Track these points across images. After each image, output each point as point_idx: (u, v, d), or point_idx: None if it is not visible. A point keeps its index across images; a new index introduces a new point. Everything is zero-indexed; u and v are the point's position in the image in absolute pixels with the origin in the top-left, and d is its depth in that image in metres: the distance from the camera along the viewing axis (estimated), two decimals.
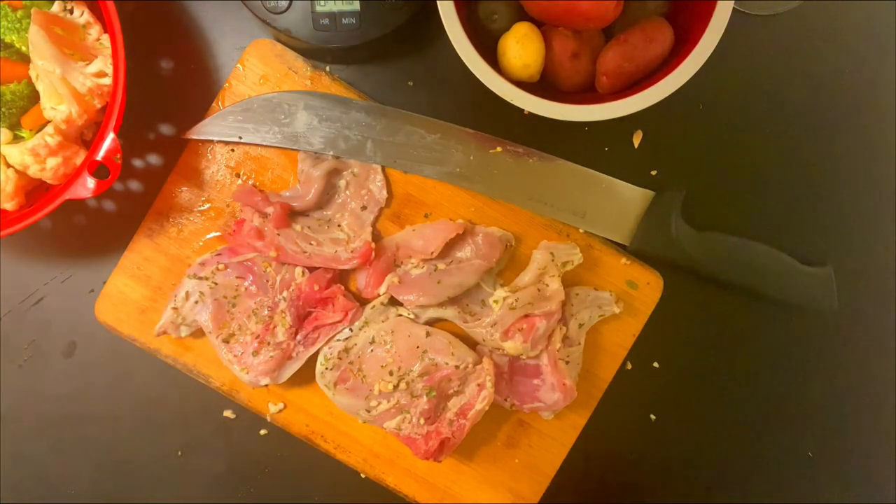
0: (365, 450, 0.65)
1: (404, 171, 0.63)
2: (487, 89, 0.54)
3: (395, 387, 0.60)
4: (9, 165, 0.59)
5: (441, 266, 0.62)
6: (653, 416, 0.67)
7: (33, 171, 0.58)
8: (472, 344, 0.63)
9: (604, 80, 0.57)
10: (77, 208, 0.66)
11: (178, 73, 0.64)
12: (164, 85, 0.65)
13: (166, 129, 0.65)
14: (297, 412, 0.64)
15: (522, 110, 0.55)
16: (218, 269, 0.62)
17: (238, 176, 0.64)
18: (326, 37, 0.60)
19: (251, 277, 0.61)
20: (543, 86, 0.59)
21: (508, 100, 0.54)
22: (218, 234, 0.64)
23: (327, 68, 0.64)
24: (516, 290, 0.61)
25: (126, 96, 0.56)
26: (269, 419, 0.64)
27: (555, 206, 0.63)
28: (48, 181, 0.59)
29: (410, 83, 0.65)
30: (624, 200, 0.63)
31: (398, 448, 0.64)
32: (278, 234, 0.60)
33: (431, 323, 0.63)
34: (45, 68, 0.57)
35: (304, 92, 0.63)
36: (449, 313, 0.62)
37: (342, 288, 0.62)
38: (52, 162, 0.58)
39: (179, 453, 0.67)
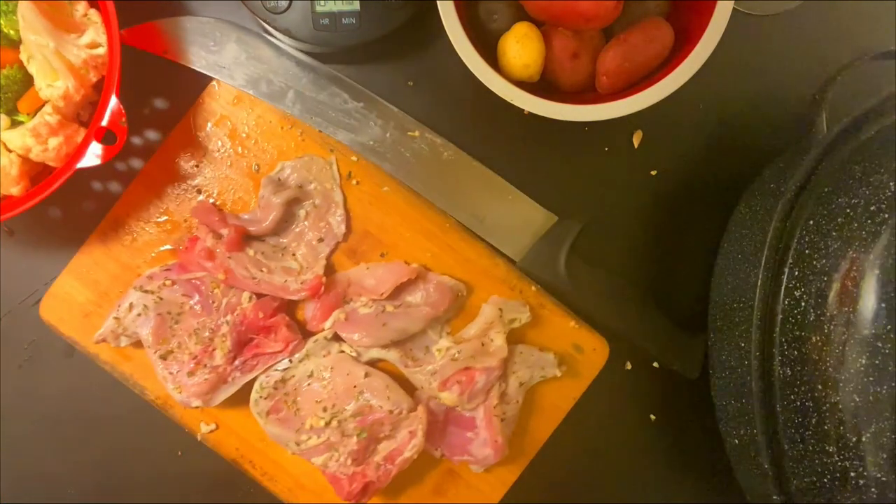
0: (292, 480, 0.64)
1: (319, 130, 0.63)
2: (487, 89, 0.54)
3: (328, 424, 0.60)
4: (10, 150, 0.59)
5: (389, 308, 0.61)
6: (652, 416, 0.66)
7: (36, 153, 0.58)
8: (410, 388, 0.62)
9: (604, 80, 0.57)
10: (76, 205, 0.66)
11: (174, 76, 0.64)
12: (160, 86, 0.65)
13: (153, 136, 0.65)
14: (228, 434, 0.64)
15: (522, 110, 0.55)
16: (165, 284, 0.61)
17: (200, 192, 0.64)
18: (326, 37, 0.60)
19: (197, 297, 0.61)
20: (543, 86, 0.59)
21: (508, 100, 0.54)
22: (171, 247, 0.63)
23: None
24: (460, 342, 0.61)
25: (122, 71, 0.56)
26: (199, 438, 0.64)
27: (456, 203, 0.63)
28: (51, 163, 0.59)
29: (410, 83, 0.65)
30: (526, 217, 0.63)
31: (325, 483, 0.64)
32: (229, 258, 0.60)
33: (373, 363, 0.62)
34: (38, 43, 0.56)
35: (239, 26, 0.63)
36: (391, 355, 0.62)
37: (287, 318, 0.61)
38: (53, 142, 0.58)
39: (179, 453, 0.66)
